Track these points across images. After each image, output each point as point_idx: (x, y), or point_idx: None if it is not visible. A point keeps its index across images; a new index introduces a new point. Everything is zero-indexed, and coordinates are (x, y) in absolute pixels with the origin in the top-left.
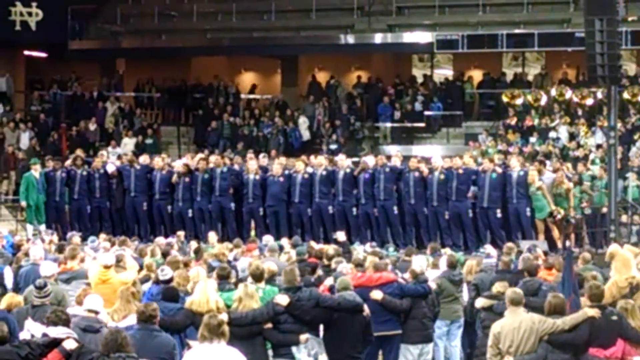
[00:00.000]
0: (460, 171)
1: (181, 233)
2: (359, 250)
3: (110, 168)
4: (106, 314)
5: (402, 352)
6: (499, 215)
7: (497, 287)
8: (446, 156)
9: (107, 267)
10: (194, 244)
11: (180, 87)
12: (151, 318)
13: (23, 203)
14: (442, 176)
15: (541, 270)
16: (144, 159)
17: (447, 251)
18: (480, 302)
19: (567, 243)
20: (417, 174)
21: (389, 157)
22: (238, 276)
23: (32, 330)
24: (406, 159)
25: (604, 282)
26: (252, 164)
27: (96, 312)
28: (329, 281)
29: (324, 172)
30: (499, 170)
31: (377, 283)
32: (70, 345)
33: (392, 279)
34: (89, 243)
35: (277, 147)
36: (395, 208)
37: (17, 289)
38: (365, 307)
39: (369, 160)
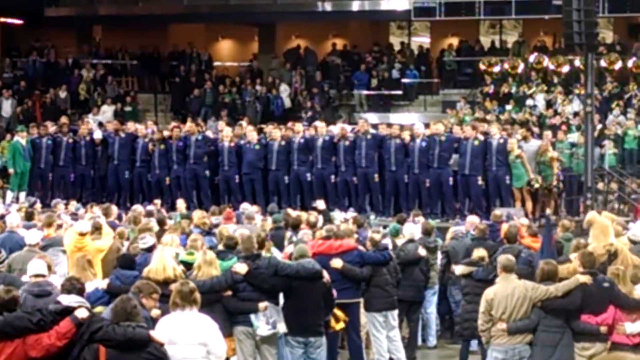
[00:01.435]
0: (443, 138)
1: (157, 201)
2: (338, 218)
3: (97, 135)
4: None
5: (369, 319)
6: (480, 182)
7: (477, 254)
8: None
9: (82, 234)
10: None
11: (152, 54)
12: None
13: (11, 170)
14: (424, 143)
15: (525, 237)
16: (130, 126)
17: (420, 219)
18: (459, 270)
19: (548, 211)
20: (398, 141)
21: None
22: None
23: None
24: (375, 126)
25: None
26: (227, 131)
27: (42, 276)
28: (289, 249)
29: (302, 140)
30: (481, 137)
31: (338, 251)
32: (82, 314)
33: (352, 247)
34: (75, 210)
35: (253, 115)
36: (376, 176)
37: None
38: (325, 273)
39: (348, 127)
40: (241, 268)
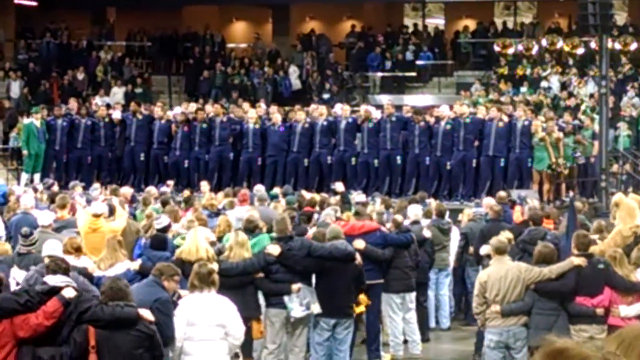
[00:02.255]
0: (467, 120)
1: (171, 182)
2: (358, 199)
3: (117, 115)
4: (92, 262)
5: (386, 301)
6: (502, 164)
7: (504, 235)
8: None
9: (96, 215)
10: (186, 193)
11: (171, 36)
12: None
13: (24, 152)
14: (449, 126)
15: None
16: (144, 107)
17: (431, 201)
18: (485, 250)
19: (571, 193)
20: (422, 123)
21: (378, 107)
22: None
23: (17, 278)
24: (398, 108)
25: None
26: (252, 113)
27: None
28: (312, 231)
29: (325, 122)
30: (505, 119)
31: (360, 232)
32: (69, 293)
33: (374, 228)
34: (90, 192)
35: (265, 96)
36: (398, 158)
37: (8, 238)
38: (357, 255)
39: (372, 109)
40: (274, 250)
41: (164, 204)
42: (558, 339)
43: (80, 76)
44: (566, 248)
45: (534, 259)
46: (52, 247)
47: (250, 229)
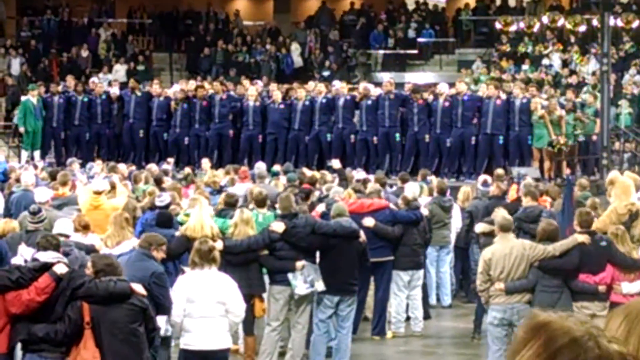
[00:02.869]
0: (466, 98)
1: (171, 160)
2: (357, 177)
3: (115, 91)
4: (99, 239)
5: (393, 278)
6: (501, 142)
7: (499, 213)
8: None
9: (98, 193)
10: (188, 170)
11: (172, 13)
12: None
13: (21, 129)
14: (447, 103)
15: None
16: (147, 84)
17: (433, 179)
18: (480, 227)
19: (568, 171)
20: (421, 100)
21: (379, 84)
22: None
23: (25, 255)
24: (399, 85)
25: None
26: (252, 91)
27: (66, 236)
28: (320, 207)
29: (324, 100)
30: (503, 96)
31: (369, 209)
32: (60, 269)
33: (384, 206)
34: (87, 170)
35: (268, 74)
36: (397, 135)
37: (8, 214)
38: (362, 233)
39: (371, 86)
40: (278, 227)
41: (158, 181)
42: (541, 313)
43: (85, 54)
44: (562, 226)
45: (537, 236)
46: (62, 227)
47: (231, 203)
